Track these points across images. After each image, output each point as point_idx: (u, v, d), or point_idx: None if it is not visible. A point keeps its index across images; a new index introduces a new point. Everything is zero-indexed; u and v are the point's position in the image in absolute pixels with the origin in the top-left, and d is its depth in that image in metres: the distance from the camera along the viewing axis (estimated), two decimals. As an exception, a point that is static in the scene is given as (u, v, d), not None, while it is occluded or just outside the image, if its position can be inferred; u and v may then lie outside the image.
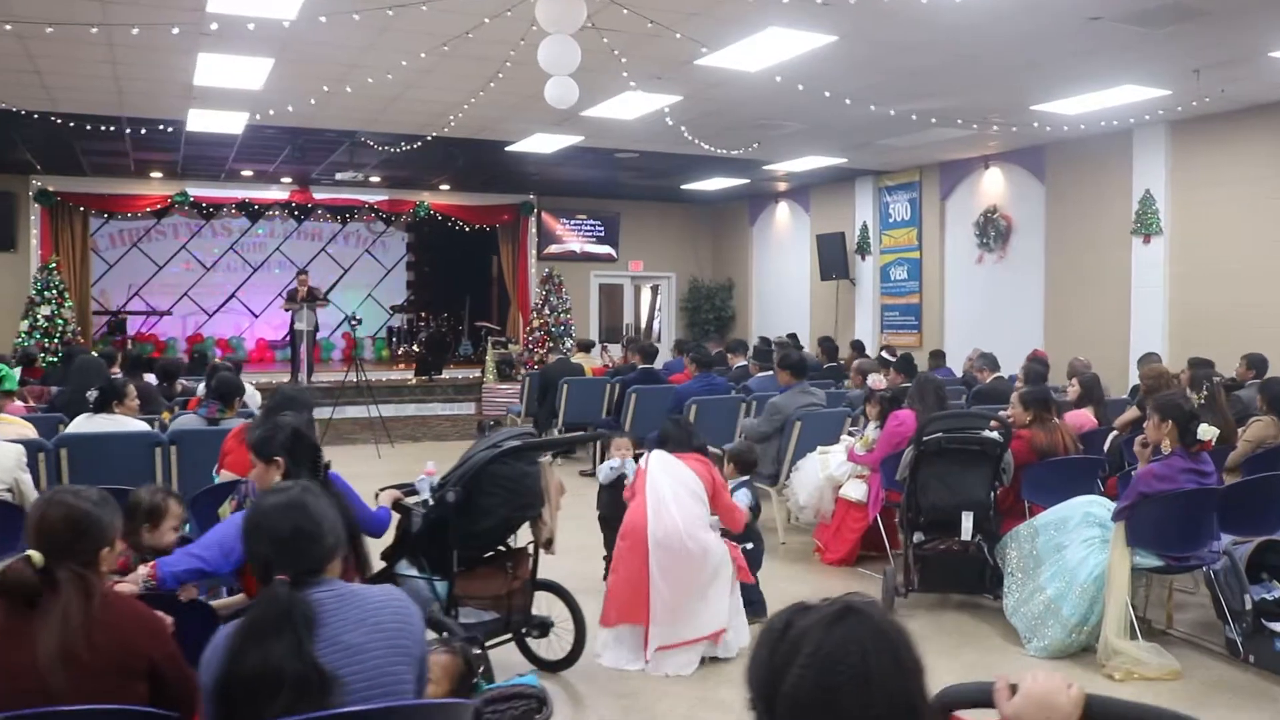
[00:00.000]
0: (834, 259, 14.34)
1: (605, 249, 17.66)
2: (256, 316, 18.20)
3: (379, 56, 7.67)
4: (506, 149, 11.93)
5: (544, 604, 4.45)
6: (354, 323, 11.85)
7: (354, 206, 16.51)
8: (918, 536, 5.27)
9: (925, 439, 5.09)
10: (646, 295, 18.94)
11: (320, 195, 15.70)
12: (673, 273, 18.36)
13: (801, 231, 15.82)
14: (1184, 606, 5.31)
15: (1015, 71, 8.24)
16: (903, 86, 8.76)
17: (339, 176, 12.62)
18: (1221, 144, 9.65)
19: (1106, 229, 10.68)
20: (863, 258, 14.30)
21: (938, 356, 10.20)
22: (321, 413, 12.40)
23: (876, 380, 5.99)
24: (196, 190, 14.99)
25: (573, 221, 17.46)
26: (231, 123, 10.41)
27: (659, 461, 4.66)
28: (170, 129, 10.49)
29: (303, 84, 8.57)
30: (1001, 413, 5.64)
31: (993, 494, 5.25)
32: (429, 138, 10.34)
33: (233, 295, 18.27)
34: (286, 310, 14.17)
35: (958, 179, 12.81)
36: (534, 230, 16.96)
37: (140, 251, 17.56)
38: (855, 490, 6.00)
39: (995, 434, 5.09)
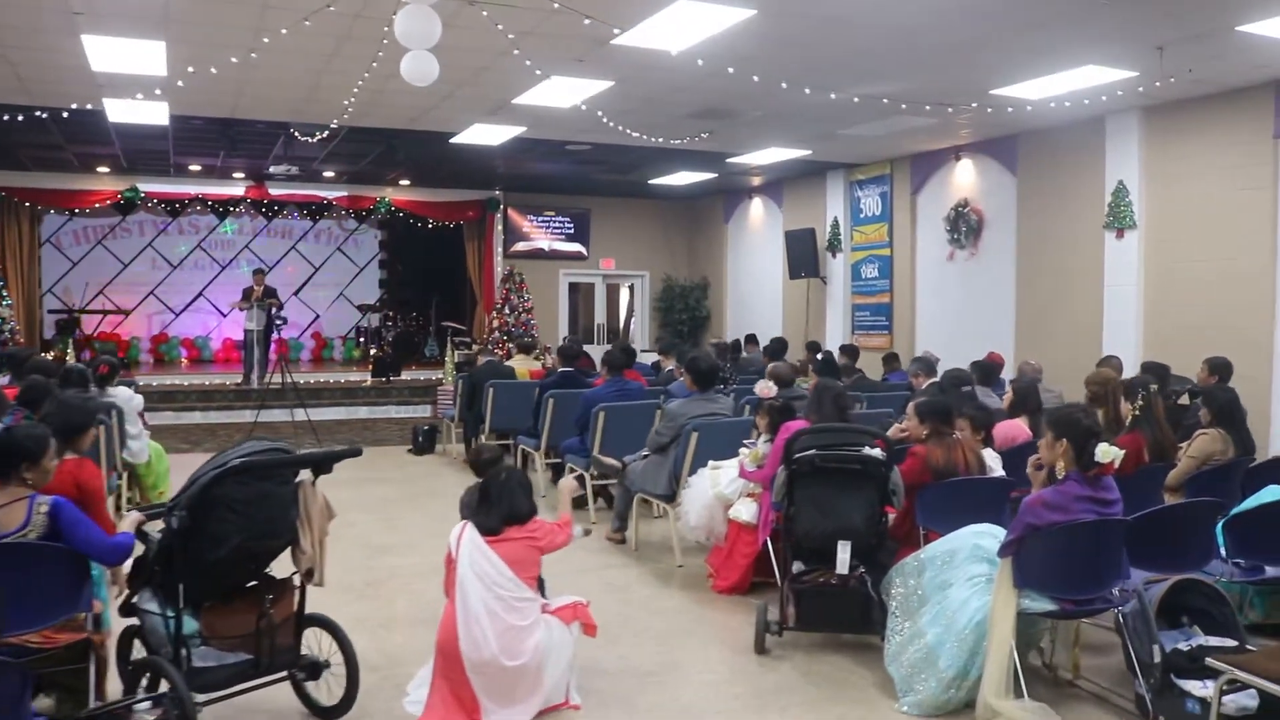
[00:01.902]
0: (804, 257, 13.63)
1: (575, 246, 17.02)
2: (224, 315, 17.76)
3: (261, 38, 7.13)
4: (451, 141, 11.40)
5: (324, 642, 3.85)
6: (279, 323, 11.38)
7: (317, 203, 16.04)
8: (797, 566, 4.64)
9: (796, 456, 4.45)
10: (624, 295, 18.30)
11: (277, 191, 15.20)
12: (645, 271, 17.69)
13: (775, 228, 15.12)
14: (1105, 650, 4.63)
15: (962, 49, 7.57)
16: (842, 67, 8.09)
17: (272, 170, 12.10)
18: (1196, 132, 8.91)
19: (1079, 223, 9.96)
20: (833, 255, 13.58)
21: (891, 360, 9.52)
22: (248, 415, 12.03)
23: (764, 387, 5.35)
24: (147, 186, 14.59)
25: (541, 218, 16.83)
26: (153, 113, 9.96)
27: (468, 556, 3.77)
28: (91, 119, 10.01)
29: (205, 68, 8.04)
30: (896, 426, 4.98)
31: (882, 520, 4.61)
32: (333, 125, 9.77)
33: (200, 294, 17.88)
34: (241, 310, 13.76)
35: (929, 171, 12.10)
36: (500, 227, 16.37)
37: (105, 249, 17.20)
38: (745, 510, 5.36)
39: (877, 451, 4.43)
